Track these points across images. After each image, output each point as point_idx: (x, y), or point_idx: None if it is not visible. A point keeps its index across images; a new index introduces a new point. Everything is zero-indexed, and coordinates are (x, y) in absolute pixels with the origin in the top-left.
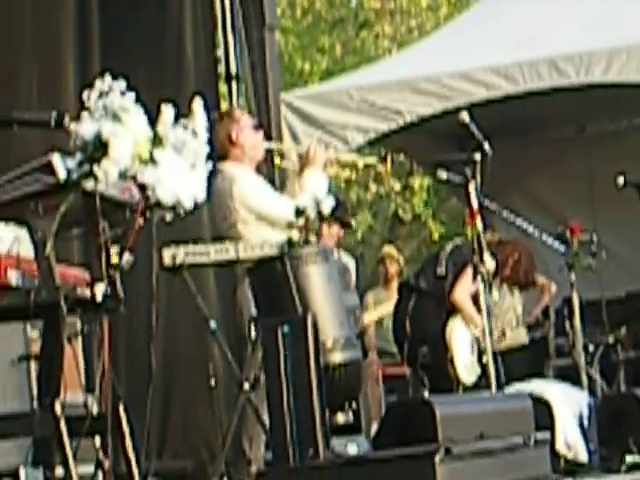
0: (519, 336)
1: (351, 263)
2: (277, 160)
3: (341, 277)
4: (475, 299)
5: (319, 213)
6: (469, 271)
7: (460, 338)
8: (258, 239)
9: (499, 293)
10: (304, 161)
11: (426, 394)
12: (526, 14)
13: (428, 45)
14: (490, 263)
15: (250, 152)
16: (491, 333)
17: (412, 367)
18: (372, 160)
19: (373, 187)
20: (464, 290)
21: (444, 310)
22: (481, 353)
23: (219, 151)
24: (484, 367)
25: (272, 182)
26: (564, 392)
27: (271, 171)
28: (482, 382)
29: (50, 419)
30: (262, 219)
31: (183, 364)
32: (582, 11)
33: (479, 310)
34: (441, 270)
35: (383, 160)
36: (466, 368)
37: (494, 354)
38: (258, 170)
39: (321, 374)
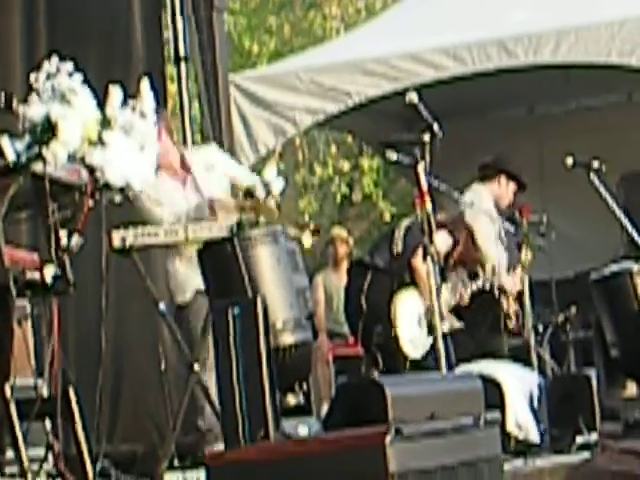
0: None
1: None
2: None
3: (290, 258)
4: None
5: (268, 193)
6: None
7: (405, 311)
8: None
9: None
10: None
11: (376, 374)
12: None
13: (376, 26)
14: (447, 240)
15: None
16: (441, 313)
17: (366, 347)
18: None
19: (319, 170)
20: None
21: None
22: (430, 329)
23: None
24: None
25: None
26: (514, 372)
27: None
28: (431, 359)
29: (0, 402)
30: None
31: (133, 347)
32: None
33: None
34: (397, 248)
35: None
36: (411, 342)
37: (444, 334)
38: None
39: (271, 355)
